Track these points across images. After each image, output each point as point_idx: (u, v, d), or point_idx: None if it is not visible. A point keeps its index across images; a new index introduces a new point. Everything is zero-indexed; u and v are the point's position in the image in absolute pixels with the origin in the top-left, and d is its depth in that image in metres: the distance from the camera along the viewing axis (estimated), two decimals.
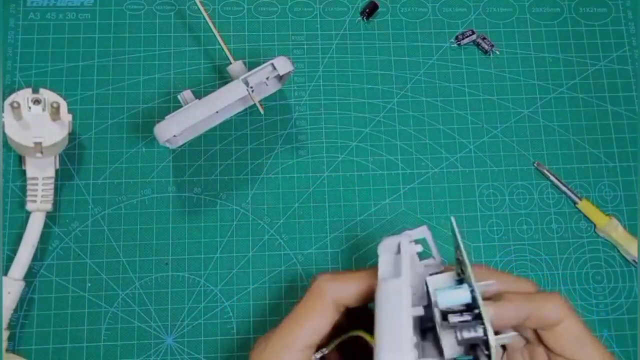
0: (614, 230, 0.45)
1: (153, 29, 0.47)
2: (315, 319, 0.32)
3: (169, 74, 0.46)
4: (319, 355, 0.33)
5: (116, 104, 0.45)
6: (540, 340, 0.34)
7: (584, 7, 0.50)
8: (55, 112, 0.39)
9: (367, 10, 0.48)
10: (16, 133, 0.39)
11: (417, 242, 0.32)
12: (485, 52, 0.48)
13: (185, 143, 0.45)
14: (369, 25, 0.48)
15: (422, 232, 0.34)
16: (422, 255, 0.32)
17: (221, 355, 0.42)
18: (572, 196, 0.46)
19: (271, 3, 0.48)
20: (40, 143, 0.39)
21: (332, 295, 0.31)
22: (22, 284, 0.40)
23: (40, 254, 0.42)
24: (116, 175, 0.44)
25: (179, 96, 0.41)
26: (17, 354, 0.40)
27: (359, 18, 0.48)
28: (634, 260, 0.45)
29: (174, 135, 0.41)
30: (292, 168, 0.45)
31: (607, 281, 0.45)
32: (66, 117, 0.40)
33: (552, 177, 0.46)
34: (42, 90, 0.40)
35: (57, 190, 0.43)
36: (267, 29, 0.48)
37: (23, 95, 0.39)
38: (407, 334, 0.27)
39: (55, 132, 0.39)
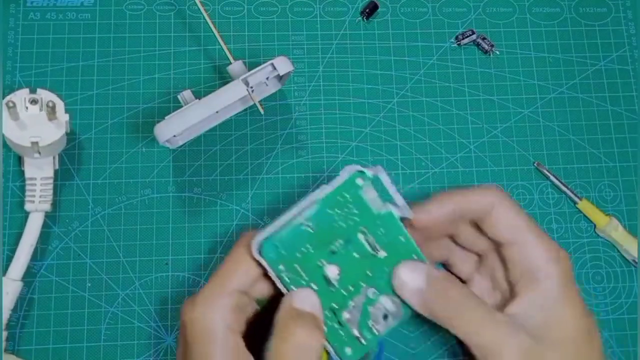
0: (614, 230, 0.44)
1: (153, 29, 0.46)
2: (246, 263, 0.33)
3: (169, 74, 0.45)
4: None
5: (116, 104, 0.44)
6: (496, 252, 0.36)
7: (584, 7, 0.49)
8: (51, 112, 0.38)
9: (367, 10, 0.47)
10: (13, 133, 0.38)
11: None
12: (485, 52, 0.48)
13: (186, 143, 0.44)
14: (369, 25, 0.48)
15: (376, 171, 0.34)
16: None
17: None
18: (572, 196, 0.45)
19: (271, 3, 0.47)
20: (37, 143, 0.38)
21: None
22: (20, 285, 0.39)
23: (40, 254, 0.41)
24: (116, 175, 0.43)
25: (179, 96, 0.40)
26: (15, 355, 0.40)
27: (359, 18, 0.48)
28: (634, 260, 0.44)
29: (174, 136, 0.40)
30: (292, 168, 0.44)
31: (607, 281, 0.44)
32: (63, 116, 0.39)
33: (552, 177, 0.45)
34: (39, 90, 0.39)
35: (57, 190, 0.42)
36: (267, 29, 0.47)
37: (20, 96, 0.38)
38: None
39: (51, 132, 0.38)
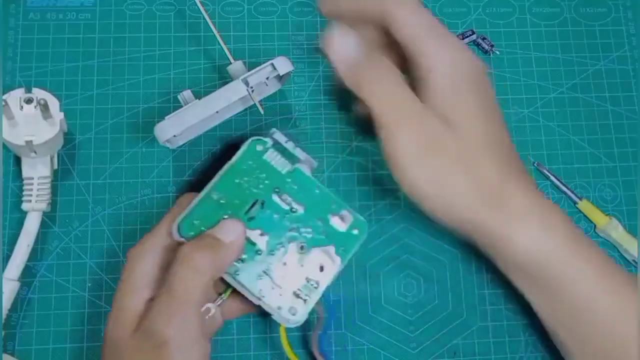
0: (614, 230, 0.43)
1: (153, 29, 0.45)
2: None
3: (169, 74, 0.44)
4: (218, 301, 0.35)
5: (116, 104, 0.43)
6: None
7: (584, 7, 0.49)
8: (44, 110, 0.37)
9: None
10: (7, 132, 0.37)
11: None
12: (485, 52, 0.47)
13: (186, 143, 0.43)
14: None
15: (272, 134, 0.37)
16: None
17: (221, 355, 0.40)
18: (572, 196, 0.44)
19: (271, 3, 0.47)
20: (31, 141, 0.37)
21: None
22: (17, 285, 0.39)
23: (40, 254, 0.40)
24: (116, 175, 0.42)
25: (179, 96, 0.40)
26: (13, 355, 0.39)
27: None
28: (634, 260, 0.44)
29: (174, 135, 0.39)
30: None
31: None
32: (57, 115, 0.38)
33: (552, 177, 0.45)
34: (34, 89, 0.38)
35: (57, 190, 0.41)
36: (267, 29, 0.46)
37: (15, 95, 0.38)
38: None
39: (46, 131, 0.38)
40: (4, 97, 0.37)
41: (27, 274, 0.40)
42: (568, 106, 0.46)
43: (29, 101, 0.38)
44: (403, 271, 0.43)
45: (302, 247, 0.36)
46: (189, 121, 0.39)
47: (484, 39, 0.47)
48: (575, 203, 0.44)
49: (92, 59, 0.44)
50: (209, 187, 0.36)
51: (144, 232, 0.41)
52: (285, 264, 0.35)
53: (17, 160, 0.41)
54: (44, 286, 0.40)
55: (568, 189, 0.44)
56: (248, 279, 0.35)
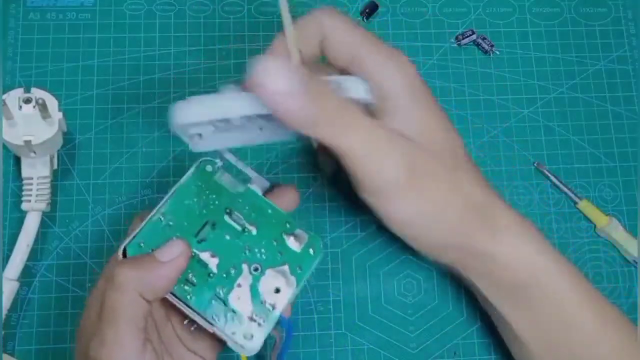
0: (614, 230, 0.43)
1: (153, 29, 0.45)
2: None
3: (169, 74, 0.44)
4: (192, 326, 0.34)
5: (116, 104, 0.43)
6: None
7: (584, 7, 0.48)
8: (43, 110, 0.37)
9: (367, 10, 0.46)
10: (6, 132, 0.37)
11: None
12: (485, 52, 0.47)
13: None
14: (369, 25, 0.47)
15: (222, 154, 0.36)
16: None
17: (221, 355, 0.40)
18: (572, 196, 0.44)
19: (271, 3, 0.46)
20: (30, 141, 0.37)
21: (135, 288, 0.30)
22: (16, 285, 0.38)
23: (40, 254, 0.40)
24: (116, 175, 0.42)
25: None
26: (12, 355, 0.39)
27: (359, 18, 0.47)
28: (634, 260, 0.43)
29: (197, 131, 0.32)
30: (292, 168, 0.44)
31: (607, 281, 0.43)
32: (56, 114, 0.38)
33: (552, 177, 0.44)
34: (33, 89, 0.38)
35: (57, 190, 0.41)
36: (267, 29, 0.46)
37: (14, 95, 0.37)
38: None
39: (45, 130, 0.38)
40: (3, 97, 0.37)
41: (27, 274, 0.39)
42: (568, 106, 0.46)
43: (27, 101, 0.37)
44: (403, 271, 0.42)
45: (256, 269, 0.34)
46: (225, 112, 0.30)
47: (484, 39, 0.47)
48: (575, 203, 0.44)
49: (92, 59, 0.44)
50: (156, 209, 0.34)
51: None
52: (239, 285, 0.33)
53: (17, 160, 0.41)
54: (43, 286, 0.40)
55: (568, 189, 0.44)
56: (200, 303, 0.33)
